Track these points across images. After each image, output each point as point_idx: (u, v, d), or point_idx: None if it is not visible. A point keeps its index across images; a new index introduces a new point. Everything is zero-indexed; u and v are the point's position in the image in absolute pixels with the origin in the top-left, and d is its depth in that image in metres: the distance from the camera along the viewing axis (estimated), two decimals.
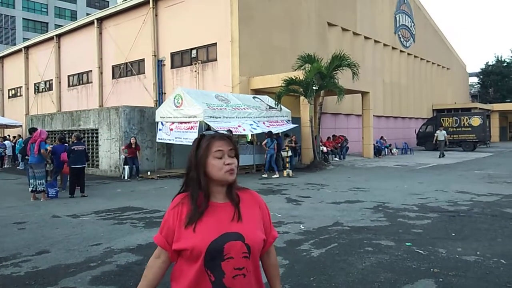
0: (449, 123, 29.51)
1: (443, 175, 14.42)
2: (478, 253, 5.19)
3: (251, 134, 16.31)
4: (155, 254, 1.77)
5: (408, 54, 34.44)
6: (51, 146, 11.49)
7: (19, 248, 5.70)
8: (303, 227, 6.63)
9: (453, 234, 6.17)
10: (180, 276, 1.67)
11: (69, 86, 29.90)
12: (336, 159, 21.41)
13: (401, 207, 8.39)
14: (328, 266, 4.76)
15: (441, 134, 23.35)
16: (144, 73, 23.74)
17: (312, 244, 5.66)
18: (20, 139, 19.30)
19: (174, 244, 1.67)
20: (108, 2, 67.02)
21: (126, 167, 14.51)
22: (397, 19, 32.88)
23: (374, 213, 7.84)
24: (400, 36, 33.37)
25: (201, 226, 1.64)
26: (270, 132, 15.24)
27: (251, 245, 1.63)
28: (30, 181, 10.00)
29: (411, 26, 34.98)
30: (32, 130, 10.62)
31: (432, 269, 4.61)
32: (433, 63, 38.96)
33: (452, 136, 29.16)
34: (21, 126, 27.51)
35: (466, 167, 17.49)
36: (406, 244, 5.60)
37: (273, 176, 14.55)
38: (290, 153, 15.50)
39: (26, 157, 10.56)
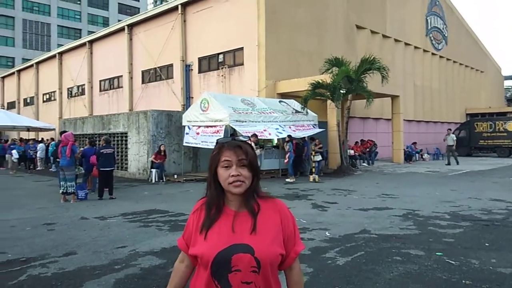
0: (483, 128, 28.47)
1: (476, 182, 13.88)
2: None
3: (277, 138, 16.22)
4: (180, 258, 1.78)
5: (440, 56, 33.51)
6: (81, 149, 11.77)
7: (47, 249, 5.82)
8: (328, 234, 6.48)
9: (487, 244, 5.88)
10: (196, 281, 1.65)
11: (100, 90, 30.70)
12: (365, 164, 21.01)
13: (432, 215, 8.09)
14: (354, 275, 4.61)
15: (450, 139, 21.55)
16: (172, 77, 24.09)
17: (337, 252, 5.51)
18: (53, 141, 19.89)
19: (190, 248, 1.67)
20: (139, 8, 68.75)
21: (154, 170, 14.72)
22: (429, 21, 32.08)
23: (404, 221, 7.59)
24: (432, 38, 32.53)
25: (213, 234, 1.59)
26: (289, 136, 15.05)
27: (261, 259, 1.54)
28: (61, 183, 10.25)
29: (443, 28, 34.05)
30: (62, 133, 10.91)
31: (464, 281, 4.39)
32: (466, 66, 37.74)
33: (486, 141, 28.15)
34: (54, 129, 28.42)
35: (501, 173, 16.79)
36: (437, 253, 5.37)
37: (287, 180, 14.44)
38: (319, 158, 15.34)
39: (57, 159, 10.83)
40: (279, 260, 1.61)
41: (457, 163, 20.89)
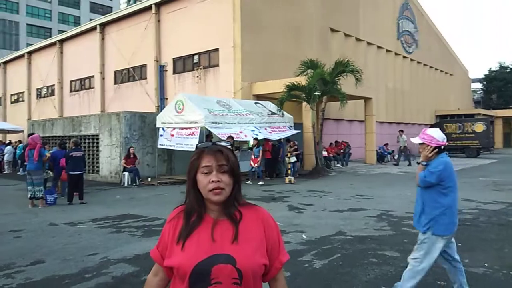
0: (452, 129, 29.29)
1: None
2: (486, 264, 5.02)
3: (253, 140, 16.15)
4: (153, 271, 1.66)
5: (411, 60, 34.31)
6: (50, 152, 11.38)
7: (13, 258, 5.55)
8: (305, 237, 6.46)
9: (459, 245, 5.90)
10: None
11: (71, 91, 29.88)
12: (339, 165, 21.22)
13: (405, 215, 8.20)
14: (331, 278, 4.60)
15: (401, 140, 22.07)
16: (146, 78, 23.70)
17: (314, 254, 5.49)
18: (21, 144, 19.20)
19: (166, 260, 1.56)
20: (111, 8, 67.41)
21: (126, 173, 14.38)
22: (400, 25, 32.79)
23: (378, 221, 7.67)
24: (403, 42, 33.26)
25: (191, 244, 1.50)
26: (256, 139, 14.91)
27: (243, 270, 1.45)
28: (28, 187, 9.86)
29: (414, 32, 34.88)
30: (30, 136, 10.50)
31: (438, 282, 4.45)
32: (436, 69, 38.80)
33: (455, 142, 28.95)
34: (22, 131, 27.44)
35: (470, 174, 17.28)
36: None
37: (258, 183, 14.27)
38: (293, 159, 15.35)
39: (25, 163, 10.42)
40: (262, 271, 1.53)
41: (409, 164, 21.48)
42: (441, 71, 40.06)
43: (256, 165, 14.73)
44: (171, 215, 1.62)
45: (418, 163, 3.84)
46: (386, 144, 25.30)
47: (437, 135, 3.70)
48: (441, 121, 32.76)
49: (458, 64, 45.29)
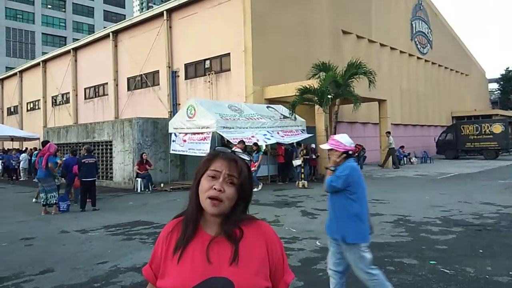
0: (469, 131, 28.67)
1: (465, 185, 13.84)
2: (510, 273, 4.76)
3: (265, 145, 16.00)
4: None
5: (426, 60, 33.80)
6: (63, 159, 11.41)
7: (23, 266, 5.50)
8: (319, 244, 6.27)
9: (481, 251, 5.73)
10: None
11: (85, 98, 30.21)
12: None
13: (423, 220, 7.95)
14: (347, 287, 4.40)
15: (388, 142, 21.81)
16: (158, 84, 23.79)
17: None
18: (36, 151, 19.38)
19: (159, 280, 1.39)
20: (124, 16, 68.21)
21: (139, 179, 14.37)
22: (413, 25, 32.36)
23: (395, 227, 7.43)
24: (417, 42, 32.81)
25: (185, 262, 1.34)
26: (255, 144, 14.46)
27: None
28: (41, 195, 9.88)
29: (428, 33, 34.39)
30: (44, 144, 10.54)
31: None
32: (451, 69, 38.15)
33: (473, 144, 28.35)
34: (38, 138, 27.79)
35: (489, 176, 16.82)
36: (430, 262, 5.20)
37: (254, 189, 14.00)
38: (297, 163, 15.04)
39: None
40: None
41: (396, 166, 21.60)
42: (457, 71, 39.37)
43: (253, 169, 14.53)
44: (167, 228, 1.45)
45: (327, 168, 3.75)
46: (402, 147, 24.87)
47: (344, 141, 3.62)
48: (457, 122, 32.14)
49: (474, 64, 44.47)
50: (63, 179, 11.09)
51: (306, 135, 16.77)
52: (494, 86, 58.98)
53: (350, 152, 3.62)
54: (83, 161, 10.37)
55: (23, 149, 26.84)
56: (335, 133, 17.56)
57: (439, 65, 35.92)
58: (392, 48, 29.15)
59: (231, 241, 1.35)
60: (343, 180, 3.51)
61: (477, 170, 19.80)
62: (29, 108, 37.32)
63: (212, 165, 1.38)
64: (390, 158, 22.04)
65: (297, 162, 15.03)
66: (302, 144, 16.09)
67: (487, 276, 4.65)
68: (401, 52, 30.31)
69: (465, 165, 22.68)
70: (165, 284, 1.35)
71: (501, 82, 55.80)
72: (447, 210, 8.99)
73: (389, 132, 22.39)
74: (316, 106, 17.45)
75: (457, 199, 10.52)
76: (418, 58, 32.76)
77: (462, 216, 8.28)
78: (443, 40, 36.72)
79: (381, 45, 27.91)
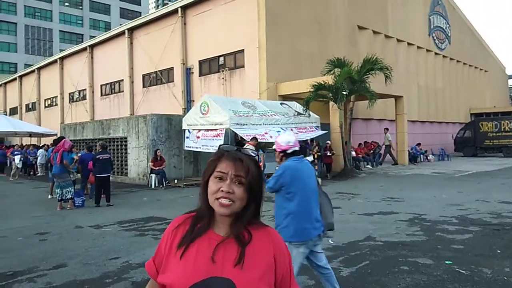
0: (488, 128, 28.04)
1: (483, 183, 13.54)
2: None
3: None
4: (149, 286, 1.47)
5: (444, 56, 33.13)
6: (79, 154, 11.54)
7: (36, 261, 5.56)
8: (332, 242, 6.19)
9: (499, 251, 5.57)
10: None
11: (101, 95, 30.55)
12: (369, 166, 20.68)
13: (439, 219, 7.78)
14: (359, 287, 4.32)
15: (386, 138, 21.61)
16: (173, 81, 23.88)
17: (341, 261, 5.22)
18: (51, 147, 19.71)
19: (160, 275, 1.37)
20: (140, 13, 68.69)
21: (153, 175, 14.47)
22: (431, 20, 31.75)
23: (410, 226, 7.28)
24: (435, 38, 32.18)
25: (188, 261, 1.30)
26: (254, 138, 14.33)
27: None
28: (57, 190, 10.01)
29: (446, 28, 33.70)
30: (57, 140, 10.67)
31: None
32: (470, 65, 37.32)
33: (492, 141, 27.73)
34: (55, 135, 28.26)
35: (509, 174, 16.42)
36: (446, 262, 5.07)
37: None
38: (311, 159, 14.89)
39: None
40: None
41: (380, 164, 21.31)
42: (476, 67, 38.50)
43: None
44: (174, 223, 1.42)
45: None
46: (419, 144, 24.47)
47: (280, 140, 3.57)
48: (476, 119, 31.43)
49: (494, 60, 43.44)
50: (79, 174, 11.20)
51: (321, 132, 16.62)
52: None
53: (290, 151, 3.53)
54: (97, 157, 10.46)
55: (41, 145, 27.32)
56: (349, 130, 17.39)
57: (458, 61, 35.18)
58: (409, 44, 28.65)
59: (239, 243, 1.32)
60: (275, 180, 3.48)
61: (496, 168, 19.35)
62: (46, 104, 37.94)
63: (218, 166, 1.34)
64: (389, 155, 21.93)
65: (308, 159, 14.86)
66: (314, 141, 15.95)
67: (505, 278, 4.52)
68: (418, 47, 29.77)
69: (483, 163, 22.20)
70: (166, 279, 1.32)
71: None
72: (464, 209, 8.79)
73: (387, 129, 22.20)
74: (331, 103, 17.27)
75: (475, 198, 10.29)
76: (436, 53, 32.13)
77: (480, 215, 8.08)
78: (462, 35, 35.94)
79: (398, 40, 27.45)
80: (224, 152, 1.38)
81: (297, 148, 3.55)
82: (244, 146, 12.20)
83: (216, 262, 1.28)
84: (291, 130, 15.50)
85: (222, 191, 1.30)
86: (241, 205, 1.32)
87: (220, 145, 1.44)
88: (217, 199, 1.30)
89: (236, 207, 1.31)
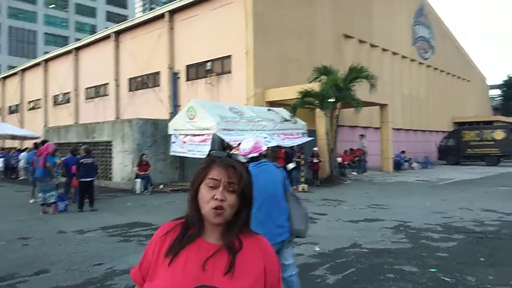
0: (471, 137, 28.61)
1: (466, 192, 13.76)
2: None
3: (266, 148, 15.93)
4: None
5: (427, 66, 33.75)
6: (62, 158, 11.35)
7: (18, 267, 5.42)
8: (318, 249, 6.20)
9: (482, 259, 5.65)
10: None
11: (86, 98, 30.17)
12: (354, 173, 20.83)
13: (424, 227, 7.87)
14: None
15: (361, 145, 21.96)
16: (159, 85, 23.74)
17: (327, 269, 5.22)
18: (34, 150, 19.34)
19: (146, 284, 1.33)
20: (127, 16, 68.25)
21: (138, 180, 14.31)
22: (415, 30, 32.33)
23: (395, 233, 7.35)
24: (419, 47, 32.76)
25: (176, 268, 1.27)
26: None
27: None
28: (39, 194, 9.81)
29: (429, 38, 34.35)
30: (43, 143, 10.48)
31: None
32: (453, 75, 38.09)
33: (474, 150, 28.27)
34: (39, 137, 27.74)
35: (491, 182, 16.73)
36: (431, 270, 5.12)
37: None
38: (292, 166, 14.87)
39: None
40: None
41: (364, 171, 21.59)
42: (458, 77, 39.32)
43: None
44: (162, 230, 1.38)
45: None
46: (403, 152, 24.80)
47: (240, 148, 3.53)
48: (459, 128, 32.06)
49: (475, 70, 44.44)
50: (63, 178, 11.01)
51: (307, 138, 16.70)
52: (494, 92, 58.87)
53: (247, 158, 3.46)
54: (81, 161, 10.30)
55: (23, 148, 26.79)
56: (335, 137, 17.53)
57: (441, 71, 35.88)
58: (393, 53, 29.10)
59: (229, 251, 1.29)
60: None
61: (479, 176, 19.71)
62: (30, 107, 37.29)
63: (210, 173, 1.32)
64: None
65: (290, 166, 14.84)
66: (295, 148, 15.89)
67: (489, 286, 4.58)
68: (402, 57, 30.26)
69: (466, 171, 22.60)
70: (151, 287, 1.29)
71: (504, 89, 55.70)
72: (448, 217, 8.91)
73: (362, 135, 22.49)
74: (317, 110, 17.40)
75: (458, 206, 10.44)
76: (420, 63, 32.72)
77: (464, 223, 8.20)
78: (445, 45, 36.68)
79: (383, 49, 27.87)
80: (215, 159, 1.35)
81: (255, 154, 3.47)
82: (231, 152, 12.17)
83: (206, 270, 1.26)
84: (278, 136, 15.56)
85: (216, 199, 1.27)
86: (232, 212, 1.30)
87: (210, 151, 1.41)
88: (213, 208, 1.27)
89: (228, 215, 1.29)
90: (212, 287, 1.23)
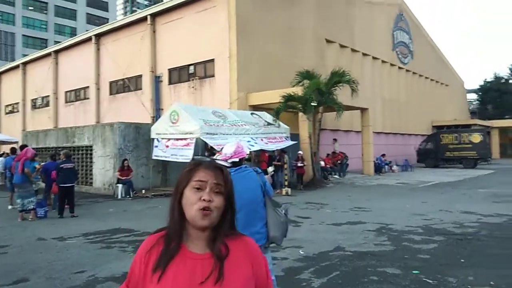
0: (449, 140, 29.21)
1: (446, 194, 14.03)
2: (492, 283, 4.79)
3: (249, 151, 15.96)
4: None
5: (407, 70, 34.38)
6: (42, 164, 11.11)
7: None
8: (302, 252, 6.22)
9: (462, 261, 5.77)
10: None
11: (66, 102, 29.66)
12: (336, 176, 21.02)
13: (405, 229, 7.99)
14: None
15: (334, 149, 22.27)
16: (141, 89, 23.52)
17: (312, 272, 5.25)
18: (12, 155, 18.86)
19: None
20: (108, 19, 67.42)
21: (120, 185, 14.11)
22: (395, 36, 32.92)
23: (377, 236, 7.44)
24: (398, 52, 33.36)
25: (166, 284, 1.25)
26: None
27: None
28: (17, 200, 9.57)
29: (409, 43, 35.02)
30: (21, 148, 10.24)
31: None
32: (431, 79, 38.91)
33: (452, 153, 28.87)
34: (17, 142, 27.09)
35: (469, 185, 17.11)
36: (413, 272, 5.20)
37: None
38: (272, 169, 14.88)
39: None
40: None
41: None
42: (437, 81, 40.18)
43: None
44: (145, 246, 1.35)
45: None
46: (383, 155, 25.16)
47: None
48: (437, 131, 32.68)
49: (454, 75, 45.48)
50: (43, 183, 10.77)
51: (290, 142, 16.77)
52: (472, 96, 60.37)
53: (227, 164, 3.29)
54: (61, 166, 10.09)
55: (1, 152, 26.11)
56: (318, 141, 17.66)
57: (420, 75, 36.60)
58: (374, 58, 29.55)
59: (217, 258, 1.28)
60: None
61: (457, 179, 20.13)
62: (7, 111, 36.41)
63: (196, 175, 1.31)
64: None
65: (270, 169, 14.83)
66: (276, 151, 15.91)
67: (469, 286, 4.68)
68: (383, 61, 30.75)
69: (445, 174, 23.05)
70: None
71: (480, 93, 57.16)
72: (428, 219, 9.07)
73: (335, 139, 22.90)
74: (300, 114, 17.51)
75: (438, 208, 10.64)
76: (400, 68, 33.30)
77: (444, 225, 8.36)
78: (424, 50, 37.45)
79: (364, 54, 28.27)
80: (201, 162, 1.35)
81: (235, 160, 3.45)
82: (215, 156, 12.13)
83: (195, 282, 1.24)
84: (261, 140, 15.58)
85: (204, 200, 1.26)
86: (218, 215, 1.30)
87: (193, 157, 1.42)
88: (200, 209, 1.26)
89: (215, 217, 1.29)
90: None
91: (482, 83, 57.34)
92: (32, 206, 9.61)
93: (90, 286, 4.85)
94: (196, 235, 1.31)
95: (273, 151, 15.94)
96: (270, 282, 1.41)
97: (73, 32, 63.34)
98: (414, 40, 35.69)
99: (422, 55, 36.75)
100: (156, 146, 15.18)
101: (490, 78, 57.99)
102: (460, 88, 47.79)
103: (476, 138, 28.36)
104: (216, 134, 14.11)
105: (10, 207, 11.43)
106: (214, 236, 1.31)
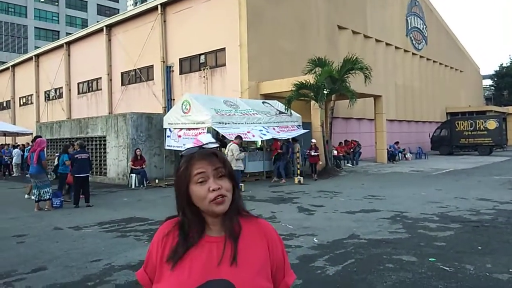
0: (464, 127, 28.77)
1: (461, 181, 13.85)
2: (511, 270, 4.70)
3: (261, 140, 15.94)
4: None
5: (421, 56, 33.80)
6: (56, 154, 11.24)
7: (14, 265, 5.36)
8: (316, 240, 6.20)
9: (480, 248, 5.68)
10: None
11: (79, 93, 29.91)
12: (349, 165, 20.89)
13: (421, 216, 7.90)
14: (346, 286, 4.33)
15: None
16: (153, 79, 23.57)
17: (327, 260, 5.22)
18: (28, 147, 19.17)
19: (154, 285, 1.31)
20: (118, 10, 67.54)
21: (133, 175, 14.23)
22: (409, 21, 32.33)
23: (392, 223, 7.37)
24: (412, 38, 32.79)
25: (182, 268, 1.25)
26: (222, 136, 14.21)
27: None
28: (34, 191, 9.72)
29: (423, 29, 34.37)
30: (34, 139, 10.37)
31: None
32: (446, 65, 38.21)
33: (467, 140, 28.45)
34: (31, 134, 27.51)
35: (485, 172, 16.85)
36: (430, 259, 5.14)
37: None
38: (242, 156, 14.65)
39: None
40: None
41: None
42: (451, 67, 39.44)
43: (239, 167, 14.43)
44: (163, 231, 1.35)
45: None
46: (397, 143, 24.89)
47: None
48: (452, 118, 32.18)
49: (469, 61, 44.59)
50: (53, 174, 10.92)
51: (302, 131, 16.67)
52: (487, 82, 59.22)
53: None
54: (76, 156, 10.20)
55: (16, 144, 26.54)
56: (330, 129, 17.53)
57: (434, 61, 35.96)
58: (387, 44, 29.10)
59: (231, 239, 1.27)
60: None
61: (472, 166, 19.85)
62: (21, 103, 36.91)
63: (193, 170, 1.28)
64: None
65: (241, 155, 14.55)
66: (279, 141, 15.53)
67: (487, 274, 4.60)
68: (396, 48, 30.27)
69: (459, 161, 22.75)
70: None
71: (495, 79, 56.02)
72: (444, 206, 8.96)
73: (295, 140, 22.61)
74: (312, 102, 17.35)
75: (454, 195, 10.50)
76: (413, 54, 32.76)
77: (459, 213, 8.25)
78: (438, 36, 36.74)
79: (377, 40, 27.85)
80: (193, 155, 1.31)
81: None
82: (228, 145, 12.13)
83: (211, 264, 1.24)
84: (273, 129, 15.53)
85: (213, 190, 1.25)
86: (231, 196, 1.29)
87: (181, 153, 1.38)
88: (212, 200, 1.25)
89: (229, 199, 1.28)
90: (219, 280, 1.22)
91: (497, 68, 56.14)
92: (48, 197, 9.75)
93: (106, 274, 4.90)
94: (211, 221, 1.31)
95: (286, 140, 15.83)
96: (287, 264, 1.39)
97: (84, 24, 63.66)
98: (428, 25, 35.01)
99: (436, 40, 36.06)
100: (169, 136, 15.24)
101: (506, 63, 56.75)
102: (475, 74, 46.87)
103: (492, 124, 27.87)
104: (228, 123, 14.12)
105: (26, 196, 11.63)
106: (227, 217, 1.29)
